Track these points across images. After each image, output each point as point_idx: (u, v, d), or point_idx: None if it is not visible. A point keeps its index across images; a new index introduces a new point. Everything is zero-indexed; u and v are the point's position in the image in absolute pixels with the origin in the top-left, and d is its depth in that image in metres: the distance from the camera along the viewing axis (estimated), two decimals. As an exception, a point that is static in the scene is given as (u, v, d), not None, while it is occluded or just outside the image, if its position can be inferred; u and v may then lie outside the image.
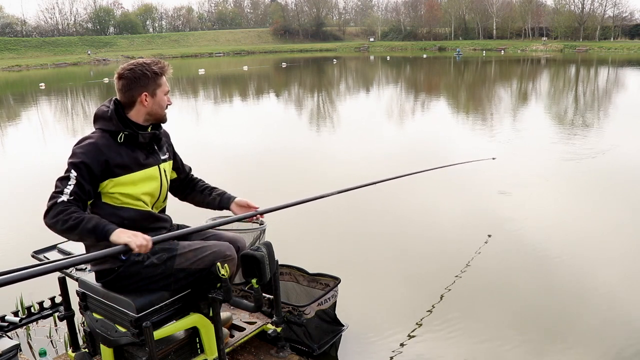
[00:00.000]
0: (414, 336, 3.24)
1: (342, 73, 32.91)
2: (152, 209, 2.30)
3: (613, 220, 5.15)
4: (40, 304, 2.87)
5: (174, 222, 2.43)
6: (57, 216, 2.01)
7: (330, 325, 3.05)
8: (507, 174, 7.00)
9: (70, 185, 2.05)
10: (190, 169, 2.63)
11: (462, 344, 3.14)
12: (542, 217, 5.25)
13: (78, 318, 2.75)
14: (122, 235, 2.00)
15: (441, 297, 3.72)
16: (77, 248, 2.63)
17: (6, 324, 2.74)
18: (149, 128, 2.28)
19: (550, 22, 66.59)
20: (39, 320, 2.91)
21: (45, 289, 3.13)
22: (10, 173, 8.37)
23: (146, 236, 2.02)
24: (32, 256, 2.70)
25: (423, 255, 4.48)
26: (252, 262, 2.24)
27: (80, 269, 2.52)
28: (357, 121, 12.62)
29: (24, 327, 2.94)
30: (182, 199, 2.64)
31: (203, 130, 12.41)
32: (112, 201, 2.18)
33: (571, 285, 3.84)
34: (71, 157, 2.11)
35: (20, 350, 2.63)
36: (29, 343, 3.26)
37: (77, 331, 2.73)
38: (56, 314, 2.85)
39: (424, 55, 50.35)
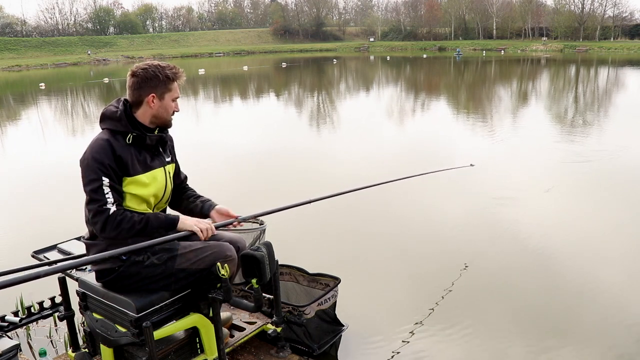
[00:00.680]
0: (414, 336, 3.24)
1: (342, 73, 32.91)
2: (154, 210, 2.31)
3: (614, 219, 5.15)
4: (40, 304, 2.87)
5: None
6: (119, 227, 2.08)
7: (330, 325, 3.05)
8: (507, 174, 7.01)
9: (108, 194, 2.09)
10: (185, 177, 2.60)
11: (463, 344, 3.14)
12: (543, 216, 5.25)
13: (78, 318, 2.75)
14: (187, 222, 2.20)
15: (442, 297, 3.72)
16: (77, 248, 2.64)
17: (6, 324, 2.74)
18: (156, 130, 2.29)
19: (550, 22, 66.57)
20: (39, 320, 2.91)
21: (45, 289, 3.12)
22: (10, 173, 8.37)
23: (210, 224, 2.23)
24: (32, 256, 2.70)
25: (423, 255, 4.48)
26: (252, 262, 2.24)
27: (81, 269, 2.51)
28: (357, 121, 12.62)
29: (24, 327, 2.94)
30: (170, 206, 2.57)
31: (203, 130, 12.41)
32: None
33: (572, 284, 3.84)
34: (92, 161, 2.11)
35: (20, 350, 2.63)
36: (29, 343, 3.26)
37: (77, 331, 2.73)
38: (56, 314, 2.85)
39: (424, 55, 50.34)
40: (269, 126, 12.23)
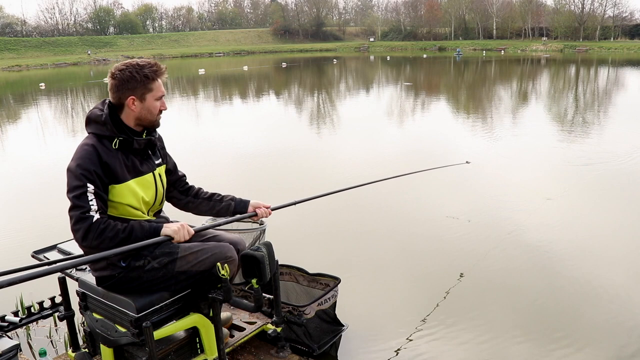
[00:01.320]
0: (414, 336, 3.24)
1: (342, 73, 32.90)
2: (147, 213, 2.27)
3: (617, 219, 5.15)
4: (40, 304, 2.87)
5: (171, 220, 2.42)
6: (101, 235, 1.99)
7: (330, 325, 3.05)
8: (509, 174, 7.01)
9: (92, 200, 2.00)
10: (184, 175, 2.52)
11: (464, 344, 3.14)
12: (545, 216, 5.25)
13: (78, 318, 2.75)
14: (170, 227, 2.12)
15: (443, 296, 3.72)
16: (77, 248, 2.63)
17: (6, 324, 2.74)
18: (144, 133, 2.22)
19: (550, 22, 66.54)
20: (39, 320, 2.91)
21: (45, 289, 3.13)
22: (10, 173, 8.36)
23: (190, 229, 2.15)
24: (32, 256, 2.70)
25: (424, 255, 4.48)
26: (252, 262, 2.24)
27: (81, 269, 2.51)
28: (358, 120, 12.60)
29: (24, 327, 2.94)
30: (182, 208, 2.54)
31: (204, 130, 12.40)
32: (110, 211, 2.13)
33: (575, 284, 3.84)
34: (77, 168, 2.02)
35: (20, 350, 2.63)
36: (29, 343, 3.26)
37: (77, 331, 2.73)
38: (56, 314, 2.85)
39: (424, 55, 50.33)
40: (270, 126, 12.23)
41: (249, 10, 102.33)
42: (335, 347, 3.09)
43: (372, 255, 4.48)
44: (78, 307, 2.42)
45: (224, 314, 2.70)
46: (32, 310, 2.86)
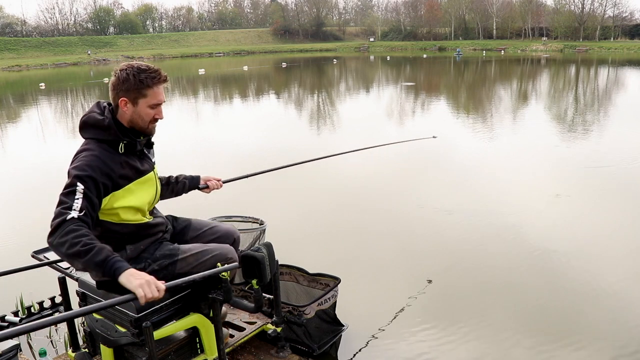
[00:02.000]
0: (415, 336, 3.24)
1: (342, 73, 32.90)
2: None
3: (617, 219, 5.15)
4: (40, 304, 2.87)
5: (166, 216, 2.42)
6: (66, 236, 1.81)
7: (330, 325, 3.05)
8: (509, 174, 7.01)
9: (78, 199, 1.88)
10: None
11: (464, 344, 3.14)
12: (546, 216, 5.25)
13: (78, 318, 2.75)
14: (132, 280, 1.75)
15: (443, 296, 3.72)
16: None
17: (6, 324, 2.74)
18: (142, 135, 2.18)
19: (550, 22, 66.52)
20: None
21: (45, 289, 3.13)
22: (10, 173, 8.37)
23: (159, 285, 1.77)
24: (32, 256, 2.70)
25: (424, 255, 4.48)
26: (253, 262, 2.24)
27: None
28: (359, 121, 12.61)
29: (24, 327, 2.94)
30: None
31: (204, 130, 12.40)
32: (111, 218, 2.08)
33: (577, 284, 3.84)
34: (74, 169, 1.96)
35: (20, 350, 2.63)
36: (29, 343, 3.26)
37: (77, 331, 2.73)
38: (56, 314, 2.85)
39: (424, 56, 50.32)
40: (270, 126, 12.23)
41: (249, 10, 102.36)
42: (335, 347, 3.09)
43: (372, 255, 4.48)
44: (78, 307, 2.42)
45: (222, 312, 2.70)
46: (32, 310, 2.87)
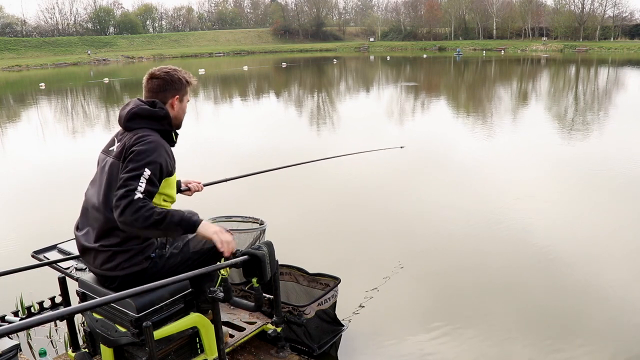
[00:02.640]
0: (415, 336, 3.24)
1: (342, 73, 32.91)
2: None
3: (619, 219, 5.15)
4: (40, 304, 2.87)
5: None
6: (137, 212, 1.98)
7: (330, 325, 3.05)
8: (509, 174, 7.01)
9: (142, 183, 2.03)
10: None
11: (464, 344, 3.14)
12: (548, 216, 5.25)
13: (78, 318, 2.75)
14: (209, 229, 2.09)
15: (443, 296, 3.72)
16: (76, 248, 2.63)
17: (6, 324, 2.74)
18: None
19: (550, 22, 66.50)
20: (38, 320, 2.91)
21: (45, 288, 3.13)
22: (10, 173, 8.37)
23: (227, 235, 2.11)
24: (32, 256, 2.70)
25: (424, 255, 4.48)
26: (253, 260, 2.24)
27: (80, 269, 2.51)
28: (359, 121, 12.62)
29: (24, 327, 2.93)
30: None
31: (204, 130, 12.40)
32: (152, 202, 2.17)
33: (579, 284, 3.84)
34: (142, 153, 2.08)
35: (20, 350, 2.63)
36: (29, 343, 3.26)
37: (77, 331, 2.73)
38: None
39: (424, 56, 50.32)
40: (270, 126, 12.23)
41: (249, 10, 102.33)
42: (335, 347, 3.09)
43: (372, 255, 4.48)
44: (78, 307, 2.42)
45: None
46: (32, 310, 2.86)
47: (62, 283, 2.59)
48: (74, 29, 78.34)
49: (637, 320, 3.32)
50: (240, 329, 2.79)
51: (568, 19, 63.47)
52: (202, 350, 2.36)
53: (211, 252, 2.27)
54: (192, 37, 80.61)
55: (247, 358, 2.76)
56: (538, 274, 4.02)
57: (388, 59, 46.71)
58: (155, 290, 2.17)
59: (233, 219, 3.20)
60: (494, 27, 70.86)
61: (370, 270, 4.19)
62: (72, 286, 2.52)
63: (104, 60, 57.30)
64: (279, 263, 2.71)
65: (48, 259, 2.60)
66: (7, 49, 61.86)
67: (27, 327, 1.51)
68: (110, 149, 2.22)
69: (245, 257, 2.19)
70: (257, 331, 2.78)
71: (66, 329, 2.78)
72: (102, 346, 2.32)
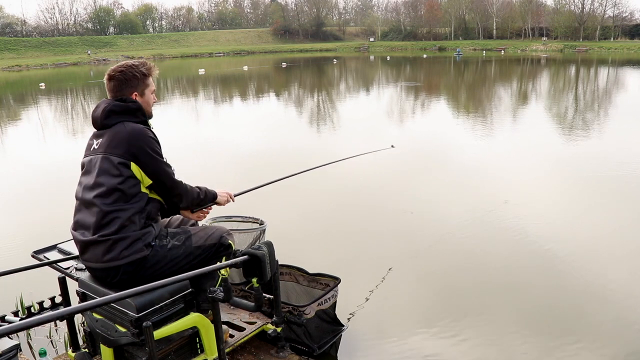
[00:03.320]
0: (415, 336, 3.24)
1: (342, 73, 32.91)
2: None
3: (619, 218, 5.15)
4: (40, 304, 2.87)
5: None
6: (189, 194, 2.36)
7: (330, 325, 3.04)
8: (509, 174, 7.01)
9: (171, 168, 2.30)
10: None
11: (464, 343, 3.14)
12: (549, 216, 5.25)
13: (78, 318, 2.75)
14: (223, 196, 2.58)
15: (443, 296, 3.72)
16: (76, 248, 2.63)
17: (6, 324, 2.73)
18: None
19: (550, 22, 66.48)
20: (38, 320, 2.91)
21: (45, 289, 3.13)
22: (10, 173, 8.36)
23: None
24: (32, 256, 2.70)
25: (424, 255, 4.48)
26: (253, 260, 2.24)
27: (80, 269, 2.51)
28: (360, 121, 12.62)
29: (24, 327, 2.93)
30: None
31: (204, 130, 12.40)
32: (147, 190, 2.26)
33: (580, 283, 3.84)
34: (153, 143, 2.22)
35: (20, 350, 2.63)
36: (29, 343, 3.26)
37: (77, 331, 2.73)
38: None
39: (424, 55, 50.32)
40: (270, 126, 12.23)
41: (249, 10, 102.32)
42: (335, 347, 3.09)
43: (372, 255, 4.48)
44: (78, 307, 2.42)
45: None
46: (32, 310, 2.86)
47: (62, 283, 2.59)
48: (74, 29, 78.34)
49: (637, 319, 3.32)
50: (240, 329, 2.79)
51: (568, 19, 63.47)
52: (202, 350, 2.36)
53: (213, 249, 2.32)
54: (192, 37, 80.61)
55: (247, 358, 2.76)
56: (538, 273, 4.02)
57: (388, 59, 46.71)
58: (155, 290, 2.17)
59: (233, 219, 3.20)
60: (494, 27, 70.86)
61: (370, 270, 4.19)
62: (72, 286, 2.52)
63: (104, 60, 57.28)
64: (279, 263, 2.71)
65: (48, 259, 2.60)
66: (7, 49, 61.85)
67: (27, 327, 1.51)
68: (92, 149, 2.26)
69: (245, 257, 2.19)
70: (257, 331, 2.78)
71: (66, 329, 2.77)
72: (102, 346, 2.32)
